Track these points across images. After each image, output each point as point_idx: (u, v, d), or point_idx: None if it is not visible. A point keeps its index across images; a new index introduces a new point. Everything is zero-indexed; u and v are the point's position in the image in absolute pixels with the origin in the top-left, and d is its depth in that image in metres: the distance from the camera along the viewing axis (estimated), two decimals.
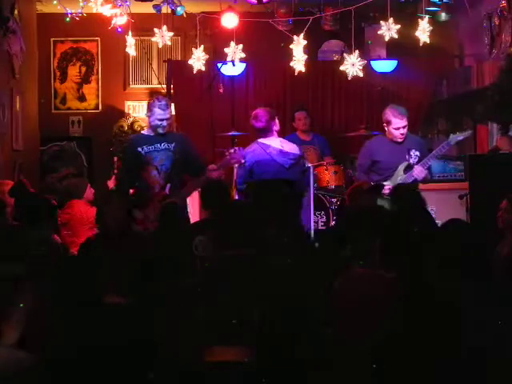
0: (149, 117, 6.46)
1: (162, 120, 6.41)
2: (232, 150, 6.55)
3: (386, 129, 7.13)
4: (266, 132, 6.88)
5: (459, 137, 7.12)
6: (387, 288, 3.59)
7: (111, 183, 7.73)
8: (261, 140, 6.89)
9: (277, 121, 7.03)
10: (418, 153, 7.03)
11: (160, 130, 6.42)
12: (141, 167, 6.35)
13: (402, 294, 3.49)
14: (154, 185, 6.29)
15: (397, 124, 7.02)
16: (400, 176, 6.97)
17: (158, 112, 6.38)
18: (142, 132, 6.96)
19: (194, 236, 4.82)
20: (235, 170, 7.19)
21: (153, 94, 9.44)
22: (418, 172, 6.95)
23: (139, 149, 6.38)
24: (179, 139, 6.58)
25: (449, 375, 3.31)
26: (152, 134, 6.46)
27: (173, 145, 6.39)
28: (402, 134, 7.05)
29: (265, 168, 6.74)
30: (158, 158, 6.37)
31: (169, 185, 6.30)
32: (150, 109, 6.44)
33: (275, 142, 6.83)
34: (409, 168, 6.99)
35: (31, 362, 3.22)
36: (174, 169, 6.37)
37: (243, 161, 6.61)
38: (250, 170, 6.81)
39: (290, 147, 6.94)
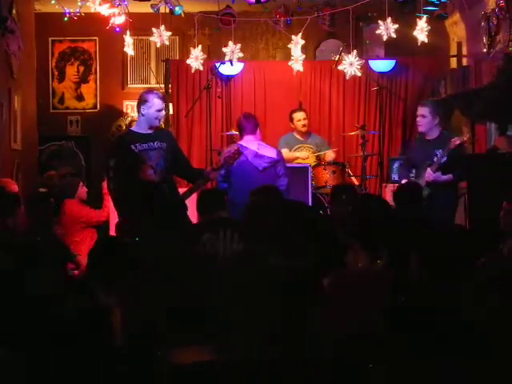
0: (145, 108, 6.11)
1: (160, 111, 6.15)
2: (229, 149, 6.53)
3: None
4: (248, 133, 7.00)
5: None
6: (380, 286, 3.59)
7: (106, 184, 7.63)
8: (240, 142, 6.99)
9: (259, 131, 7.19)
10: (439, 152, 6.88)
11: (157, 123, 6.17)
12: (135, 166, 6.07)
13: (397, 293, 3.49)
14: None
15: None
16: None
17: (158, 102, 6.12)
18: (132, 129, 6.51)
19: (199, 235, 4.83)
20: None
21: None
22: (427, 174, 6.86)
23: (132, 146, 6.06)
24: (169, 138, 6.37)
25: (448, 375, 3.32)
26: (143, 132, 6.16)
27: (165, 144, 6.14)
28: (417, 122, 7.15)
29: (240, 170, 6.76)
30: (153, 156, 6.10)
31: (165, 185, 6.17)
32: (146, 100, 6.11)
33: (253, 145, 6.94)
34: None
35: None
36: (167, 168, 6.22)
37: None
38: (227, 171, 6.83)
39: (267, 151, 7.02)
